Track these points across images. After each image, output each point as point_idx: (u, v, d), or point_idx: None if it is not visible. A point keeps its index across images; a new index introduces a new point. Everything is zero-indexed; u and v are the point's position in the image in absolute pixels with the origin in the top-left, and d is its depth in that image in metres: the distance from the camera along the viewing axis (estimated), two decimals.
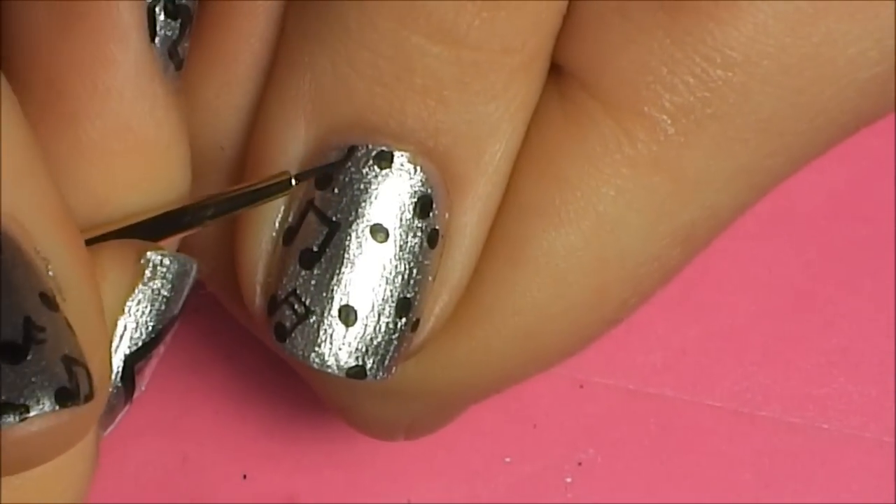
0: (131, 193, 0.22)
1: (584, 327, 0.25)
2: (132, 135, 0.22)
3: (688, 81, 0.23)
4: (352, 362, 0.23)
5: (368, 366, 0.23)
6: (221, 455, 0.31)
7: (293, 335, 0.23)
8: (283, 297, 0.23)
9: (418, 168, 0.23)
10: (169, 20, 0.22)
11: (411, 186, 0.23)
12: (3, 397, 0.18)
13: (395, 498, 0.31)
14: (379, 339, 0.23)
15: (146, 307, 0.21)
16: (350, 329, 0.23)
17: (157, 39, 0.22)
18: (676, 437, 0.31)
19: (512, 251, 0.24)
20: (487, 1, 0.22)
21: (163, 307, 0.22)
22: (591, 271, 0.24)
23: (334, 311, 0.23)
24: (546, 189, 0.24)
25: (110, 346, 0.21)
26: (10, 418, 0.18)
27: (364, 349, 0.23)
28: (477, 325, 0.24)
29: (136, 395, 0.22)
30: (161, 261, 0.21)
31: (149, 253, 0.21)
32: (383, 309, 0.23)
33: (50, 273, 0.19)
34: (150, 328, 0.22)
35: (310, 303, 0.23)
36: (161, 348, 0.22)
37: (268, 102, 0.24)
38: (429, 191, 0.23)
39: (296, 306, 0.23)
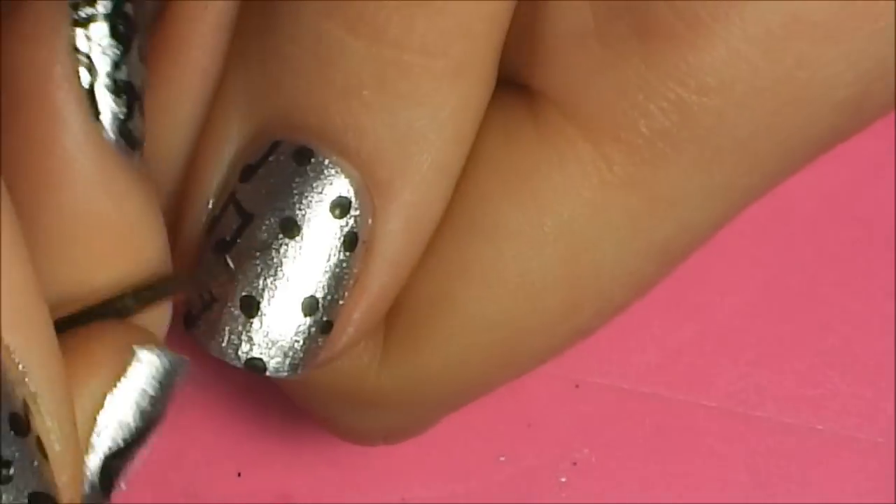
0: (100, 274, 0.21)
1: (558, 338, 0.25)
2: (91, 218, 0.21)
3: (663, 107, 0.23)
4: (252, 354, 0.23)
5: (269, 361, 0.23)
6: (216, 453, 0.31)
7: (198, 323, 0.23)
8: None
9: (337, 169, 0.23)
10: (114, 97, 0.21)
11: (329, 186, 0.23)
12: None
13: (389, 496, 0.31)
14: (282, 335, 0.23)
15: (129, 405, 0.20)
16: (251, 321, 0.23)
17: (104, 119, 0.21)
18: (671, 437, 0.31)
19: (485, 271, 0.24)
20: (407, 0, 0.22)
21: (147, 407, 0.20)
22: (566, 287, 0.24)
23: (236, 301, 0.23)
24: (522, 211, 0.24)
25: (83, 456, 0.20)
26: None
27: (265, 344, 0.23)
28: (451, 341, 0.24)
29: (113, 493, 0.21)
30: (149, 357, 0.20)
31: (137, 347, 0.20)
32: (287, 305, 0.23)
33: (25, 380, 0.18)
34: (132, 428, 0.20)
35: (215, 291, 0.23)
36: (145, 451, 0.21)
37: (214, 104, 0.24)
38: (347, 192, 0.23)
39: (204, 294, 0.23)
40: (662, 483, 0.31)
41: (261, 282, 0.23)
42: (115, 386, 0.20)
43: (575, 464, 0.31)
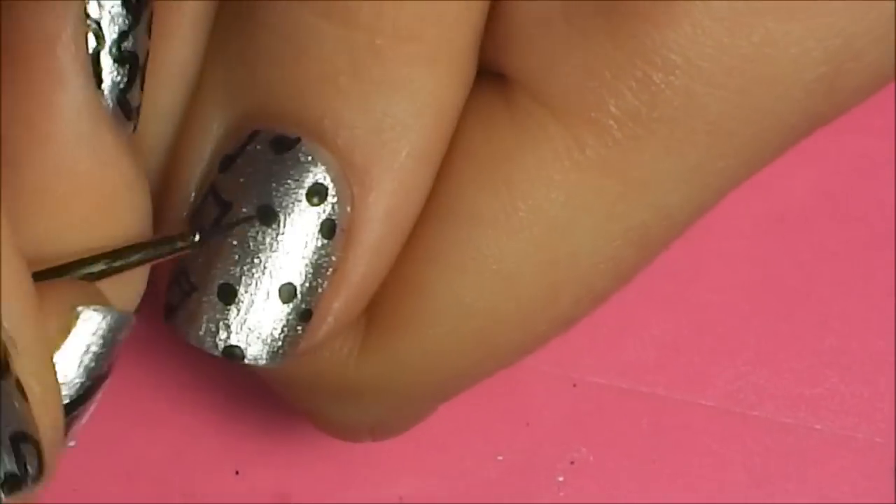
0: (77, 235, 0.21)
1: (538, 325, 0.25)
2: (75, 178, 0.21)
3: (631, 86, 0.23)
4: (230, 342, 0.23)
5: (247, 349, 0.23)
6: (214, 451, 0.31)
7: (177, 313, 0.24)
8: (174, 276, 0.24)
9: (315, 156, 0.23)
10: (116, 66, 0.22)
11: (306, 174, 0.23)
12: None
13: (387, 495, 0.31)
14: (260, 323, 0.23)
15: (75, 362, 0.20)
16: (229, 308, 0.23)
17: (104, 86, 0.22)
18: (669, 437, 0.32)
19: (462, 258, 0.24)
20: None
21: (92, 364, 0.21)
22: (543, 273, 0.24)
23: (214, 289, 0.23)
24: (496, 197, 0.24)
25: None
26: None
27: (243, 331, 0.23)
28: (429, 330, 0.24)
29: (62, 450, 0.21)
30: (93, 314, 0.20)
31: (81, 307, 0.20)
32: (266, 293, 0.23)
33: (4, 326, 0.19)
34: (77, 385, 0.21)
35: (195, 280, 0.23)
36: (91, 406, 0.21)
37: (193, 97, 0.24)
38: (324, 180, 0.23)
39: (183, 284, 0.24)
40: (660, 482, 0.31)
41: (238, 269, 0.23)
42: (60, 343, 0.20)
43: (572, 463, 0.31)
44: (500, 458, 0.31)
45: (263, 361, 0.24)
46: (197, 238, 0.23)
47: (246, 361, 0.23)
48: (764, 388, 0.32)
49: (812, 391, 0.32)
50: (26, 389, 0.19)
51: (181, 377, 0.31)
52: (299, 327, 0.24)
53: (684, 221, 0.24)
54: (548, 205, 0.24)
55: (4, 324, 0.19)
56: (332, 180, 0.23)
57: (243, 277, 0.23)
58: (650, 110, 0.23)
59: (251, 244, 0.23)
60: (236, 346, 0.23)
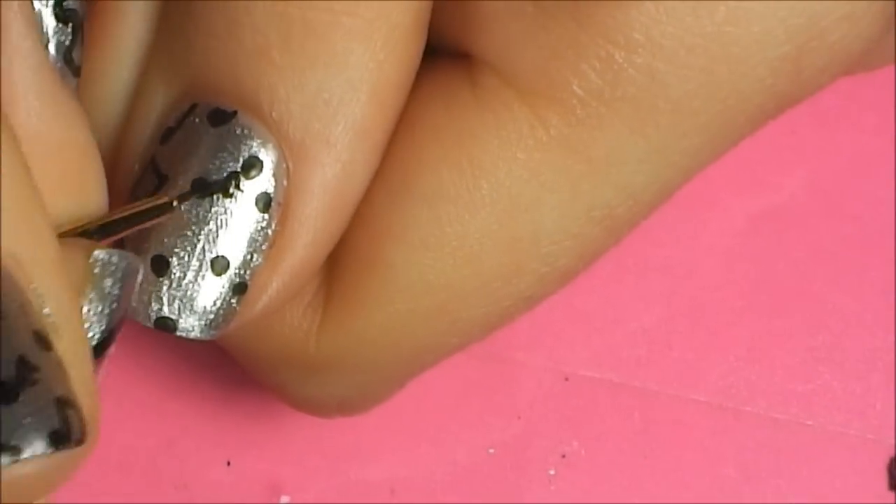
0: (54, 200, 0.21)
1: (501, 301, 0.25)
2: (44, 140, 0.21)
3: (594, 65, 0.23)
4: (162, 313, 0.24)
5: (178, 320, 0.24)
6: (206, 441, 0.31)
7: None
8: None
9: (251, 130, 0.23)
10: (60, 25, 0.22)
11: (240, 146, 0.23)
12: None
13: (378, 486, 0.31)
14: (193, 295, 0.24)
15: (98, 307, 0.21)
16: (161, 280, 0.23)
17: (51, 46, 0.22)
18: (660, 431, 0.32)
19: (424, 235, 0.24)
20: None
21: (114, 306, 0.21)
22: (506, 250, 0.24)
23: (147, 261, 0.23)
24: (460, 175, 0.24)
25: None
26: (2, 459, 0.18)
27: (174, 302, 0.24)
28: (390, 306, 0.24)
29: None
30: (109, 258, 0.21)
31: (97, 251, 0.21)
32: (197, 265, 0.24)
33: (45, 311, 0.19)
34: (103, 328, 0.21)
35: (128, 251, 0.23)
36: (112, 348, 0.22)
37: (142, 71, 0.25)
38: (259, 153, 0.23)
39: None
40: (651, 477, 0.31)
41: (171, 241, 0.23)
42: (84, 291, 0.21)
43: (564, 456, 0.31)
44: (491, 451, 0.31)
45: (196, 334, 0.24)
46: (175, 203, 0.23)
47: (178, 333, 0.24)
48: (756, 383, 0.32)
49: (804, 387, 0.32)
50: (66, 365, 0.20)
51: (173, 368, 0.32)
52: (234, 300, 0.24)
53: (650, 201, 0.25)
54: (510, 182, 0.24)
55: (46, 309, 0.19)
56: (270, 154, 0.23)
57: (176, 249, 0.23)
58: (613, 89, 0.23)
59: (185, 216, 0.23)
60: (169, 318, 0.24)
